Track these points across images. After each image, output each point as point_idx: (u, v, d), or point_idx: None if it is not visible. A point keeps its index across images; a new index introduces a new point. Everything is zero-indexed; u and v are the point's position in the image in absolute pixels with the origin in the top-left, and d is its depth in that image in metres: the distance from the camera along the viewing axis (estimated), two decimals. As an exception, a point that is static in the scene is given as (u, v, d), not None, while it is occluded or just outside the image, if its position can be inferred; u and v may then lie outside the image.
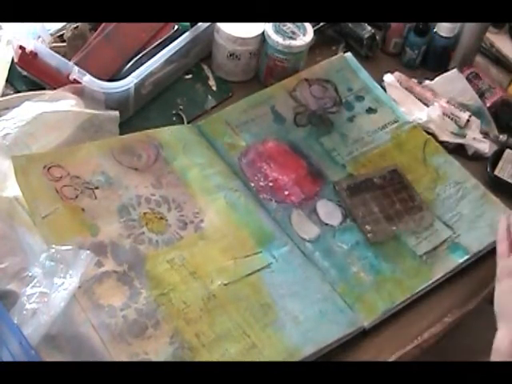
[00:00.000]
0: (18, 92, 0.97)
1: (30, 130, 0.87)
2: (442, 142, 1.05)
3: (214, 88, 1.07)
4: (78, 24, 0.99)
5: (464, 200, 0.98)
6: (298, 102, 1.04)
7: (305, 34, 1.04)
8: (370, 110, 1.07)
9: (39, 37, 0.99)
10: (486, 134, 1.08)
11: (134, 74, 0.94)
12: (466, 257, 0.92)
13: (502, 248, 0.87)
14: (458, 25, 1.13)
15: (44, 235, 0.80)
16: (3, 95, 0.96)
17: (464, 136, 1.07)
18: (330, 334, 0.81)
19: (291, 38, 1.03)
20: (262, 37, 1.04)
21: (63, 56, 0.95)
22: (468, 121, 1.07)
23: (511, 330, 0.76)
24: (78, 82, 0.92)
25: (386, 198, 0.96)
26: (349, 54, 1.12)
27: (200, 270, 0.83)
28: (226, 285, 0.82)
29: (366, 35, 1.15)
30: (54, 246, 0.78)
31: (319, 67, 1.09)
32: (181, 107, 1.03)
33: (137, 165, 0.91)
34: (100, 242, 0.82)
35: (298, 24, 1.05)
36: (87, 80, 0.92)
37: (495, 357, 0.74)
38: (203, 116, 1.03)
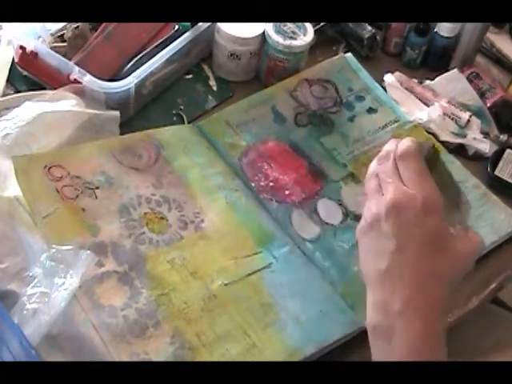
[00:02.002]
0: (19, 92, 0.97)
1: (31, 129, 0.87)
2: (442, 142, 1.05)
3: (215, 88, 1.07)
4: (78, 24, 0.99)
5: (465, 199, 0.98)
6: (298, 102, 1.04)
7: (305, 34, 1.04)
8: (371, 110, 1.07)
9: (40, 37, 0.99)
10: (486, 134, 1.08)
11: (134, 74, 0.94)
12: (467, 257, 0.92)
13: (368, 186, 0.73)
14: (459, 25, 1.13)
15: (44, 235, 0.80)
16: (4, 95, 0.96)
17: (464, 136, 1.07)
18: (330, 334, 0.81)
19: (292, 38, 1.03)
20: (263, 37, 1.04)
21: (64, 56, 0.95)
22: (468, 121, 1.07)
23: (371, 294, 0.69)
24: (79, 82, 0.92)
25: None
26: (349, 55, 1.12)
27: (200, 270, 0.83)
28: (226, 285, 0.82)
29: (367, 35, 1.15)
30: (54, 245, 0.78)
31: (320, 67, 1.09)
32: (181, 107, 1.03)
33: (137, 165, 0.91)
34: (100, 242, 0.82)
35: (299, 24, 1.05)
36: (88, 80, 0.92)
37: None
38: (204, 116, 1.03)
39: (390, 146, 0.74)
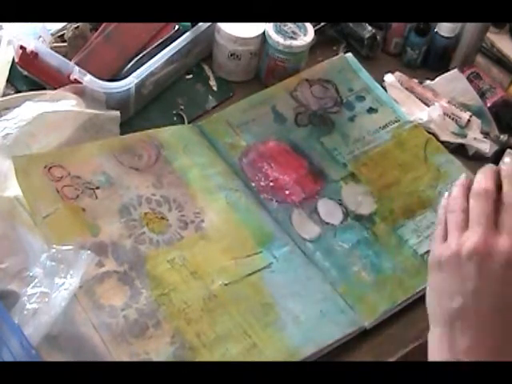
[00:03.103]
0: (19, 92, 0.97)
1: (31, 130, 0.87)
2: (442, 142, 1.05)
3: (215, 88, 1.07)
4: (78, 24, 0.99)
5: (465, 199, 0.98)
6: (298, 102, 1.04)
7: (305, 34, 1.04)
8: (371, 110, 1.07)
9: (40, 37, 0.99)
10: (486, 134, 1.08)
11: (134, 74, 0.94)
12: (467, 257, 0.92)
13: (437, 231, 0.70)
14: (459, 25, 1.13)
15: (45, 235, 0.80)
16: (4, 95, 0.96)
17: (465, 136, 1.07)
18: (330, 334, 0.81)
19: (292, 38, 1.03)
20: (263, 37, 1.04)
21: (64, 56, 0.95)
22: (469, 121, 1.07)
23: (437, 331, 0.68)
24: (79, 82, 0.92)
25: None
26: (349, 55, 1.12)
27: (201, 270, 0.83)
28: (226, 285, 0.82)
29: (367, 35, 1.15)
30: (54, 245, 0.78)
31: (320, 67, 1.09)
32: (181, 107, 1.03)
33: (138, 165, 0.91)
34: (101, 242, 0.82)
35: (299, 24, 1.05)
36: (88, 80, 0.92)
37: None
38: (204, 116, 1.03)
39: (488, 183, 0.69)
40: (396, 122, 1.05)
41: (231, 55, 1.05)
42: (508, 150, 1.05)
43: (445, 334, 0.67)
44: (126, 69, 0.98)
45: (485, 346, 0.65)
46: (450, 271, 0.66)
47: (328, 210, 0.94)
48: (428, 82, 1.13)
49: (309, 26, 1.06)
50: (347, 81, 1.09)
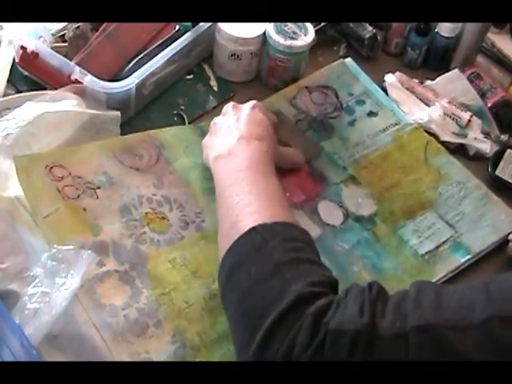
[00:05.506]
0: (20, 92, 0.97)
1: (32, 130, 0.87)
2: (443, 142, 1.05)
3: (216, 88, 1.07)
4: (79, 24, 0.99)
5: (466, 200, 0.98)
6: (298, 110, 1.04)
7: (306, 34, 1.04)
8: (371, 114, 1.06)
9: (40, 37, 0.99)
10: (487, 134, 1.08)
11: (135, 74, 0.94)
12: (468, 256, 0.92)
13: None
14: (460, 25, 1.13)
15: (45, 235, 0.80)
16: (4, 95, 0.96)
17: (465, 136, 1.07)
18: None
19: (292, 38, 1.03)
20: (264, 37, 1.04)
21: (64, 56, 0.95)
22: (469, 121, 1.07)
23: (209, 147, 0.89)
24: (80, 82, 0.92)
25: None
26: (349, 60, 1.12)
27: (201, 270, 0.83)
28: (227, 284, 0.82)
29: (368, 35, 1.15)
30: (55, 245, 0.78)
31: (319, 74, 1.09)
32: (182, 107, 1.03)
33: (138, 165, 0.91)
34: (101, 242, 0.82)
35: (300, 24, 1.05)
36: (88, 80, 0.92)
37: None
38: (204, 116, 1.03)
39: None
40: (396, 124, 1.05)
41: (232, 55, 1.05)
42: (509, 150, 1.05)
43: (215, 141, 0.89)
44: (126, 69, 0.98)
45: (251, 136, 0.86)
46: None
47: (328, 211, 0.94)
48: (428, 82, 1.13)
49: (309, 26, 1.06)
50: (347, 85, 1.09)
